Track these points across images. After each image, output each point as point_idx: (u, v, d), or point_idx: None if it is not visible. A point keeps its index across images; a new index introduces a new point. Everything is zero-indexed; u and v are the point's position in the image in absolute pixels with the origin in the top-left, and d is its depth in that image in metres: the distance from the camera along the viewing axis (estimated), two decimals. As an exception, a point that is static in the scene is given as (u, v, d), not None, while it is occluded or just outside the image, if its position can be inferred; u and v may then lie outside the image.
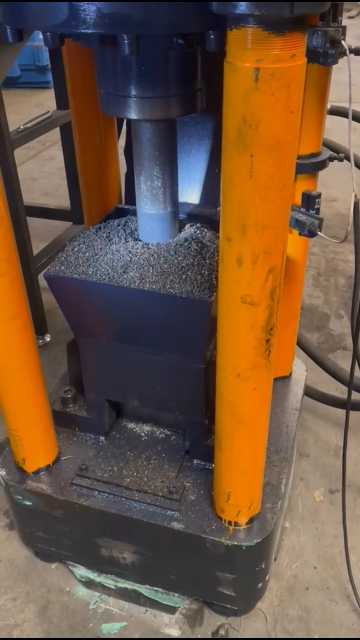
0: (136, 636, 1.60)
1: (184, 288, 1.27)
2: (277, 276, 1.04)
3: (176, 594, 1.61)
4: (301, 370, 1.89)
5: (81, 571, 1.70)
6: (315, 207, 1.32)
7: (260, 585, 1.53)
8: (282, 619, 1.64)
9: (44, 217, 3.26)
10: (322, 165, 1.38)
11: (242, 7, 0.78)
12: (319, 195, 1.32)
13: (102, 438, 1.64)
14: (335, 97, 1.51)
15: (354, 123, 1.49)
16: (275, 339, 1.12)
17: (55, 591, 1.72)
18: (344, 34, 1.02)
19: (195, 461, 1.56)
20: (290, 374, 1.86)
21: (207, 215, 1.54)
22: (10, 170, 2.23)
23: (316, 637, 1.60)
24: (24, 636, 1.62)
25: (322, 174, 1.43)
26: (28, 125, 2.47)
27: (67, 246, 1.43)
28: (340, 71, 1.32)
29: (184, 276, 1.30)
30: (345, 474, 1.59)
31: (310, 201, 1.31)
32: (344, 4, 1.12)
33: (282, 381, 1.83)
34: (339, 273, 3.26)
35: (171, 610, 1.63)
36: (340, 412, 2.24)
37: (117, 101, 1.20)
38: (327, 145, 1.62)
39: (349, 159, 1.42)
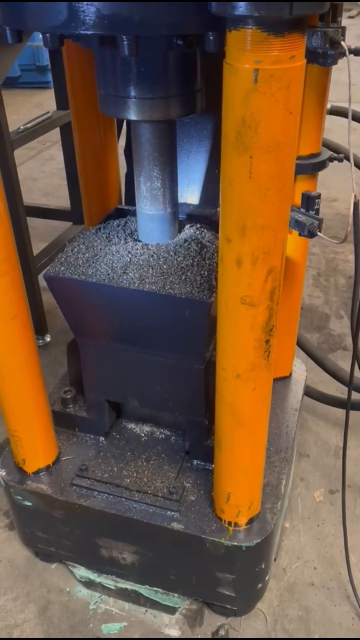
0: (136, 636, 1.60)
1: (184, 289, 1.27)
2: (277, 277, 1.04)
3: (176, 595, 1.61)
4: (301, 371, 1.89)
5: (81, 571, 1.70)
6: (315, 207, 1.32)
7: (260, 585, 1.53)
8: (282, 619, 1.64)
9: (44, 217, 3.26)
10: (321, 165, 1.38)
11: (241, 8, 0.78)
12: (318, 196, 1.31)
13: (102, 438, 1.64)
14: (335, 97, 1.51)
15: (354, 123, 1.49)
16: (274, 340, 1.12)
17: (55, 591, 1.72)
18: (343, 34, 1.02)
19: (195, 462, 1.56)
20: (290, 374, 1.86)
21: (206, 215, 1.54)
22: (10, 171, 2.24)
23: (316, 637, 1.60)
24: (24, 636, 1.62)
25: (322, 173, 1.43)
26: (28, 125, 2.47)
27: (67, 247, 1.43)
28: (340, 71, 1.32)
29: (183, 277, 1.30)
30: (345, 474, 1.59)
31: (310, 202, 1.31)
32: (343, 4, 1.12)
33: (282, 381, 1.83)
34: (339, 273, 3.26)
35: (171, 610, 1.64)
36: (340, 412, 2.24)
37: (117, 102, 1.20)
38: (327, 145, 1.63)
39: (348, 159, 1.42)
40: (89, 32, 0.92)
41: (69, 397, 1.65)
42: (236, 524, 1.40)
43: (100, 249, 1.42)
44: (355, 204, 1.16)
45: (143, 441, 1.64)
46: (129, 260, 1.37)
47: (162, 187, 1.35)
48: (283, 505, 1.60)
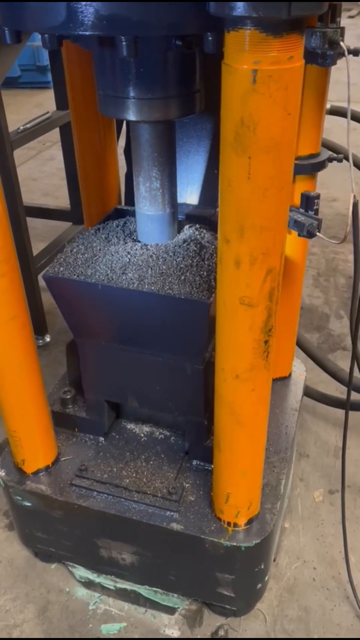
0: (136, 637, 1.61)
1: (183, 289, 1.27)
2: (276, 277, 1.04)
3: (176, 595, 1.61)
4: (301, 371, 1.89)
5: (81, 572, 1.70)
6: (314, 207, 1.32)
7: (259, 585, 1.54)
8: (281, 619, 1.64)
9: (44, 217, 3.27)
10: (321, 166, 1.38)
11: (240, 9, 0.78)
12: (317, 196, 1.31)
13: (101, 439, 1.64)
14: (335, 96, 1.51)
15: (353, 123, 1.48)
16: (273, 340, 1.12)
17: (55, 592, 1.72)
18: (342, 34, 1.02)
19: (194, 462, 1.56)
20: (290, 375, 1.86)
21: (206, 216, 1.54)
22: (10, 171, 2.24)
23: (315, 637, 1.60)
24: (24, 636, 1.62)
25: (322, 173, 1.43)
26: (28, 125, 2.47)
27: (66, 247, 1.43)
28: (340, 71, 1.32)
29: (182, 277, 1.30)
30: (345, 474, 1.59)
31: (309, 202, 1.31)
32: (342, 5, 1.12)
33: (282, 382, 1.83)
34: (339, 273, 3.26)
35: (171, 610, 1.64)
36: (340, 413, 2.23)
37: (116, 102, 1.20)
38: (326, 145, 1.63)
39: (348, 159, 1.42)
40: (87, 33, 0.92)
41: (68, 397, 1.65)
42: (235, 525, 1.40)
43: (100, 249, 1.42)
44: (354, 204, 1.16)
45: (142, 441, 1.64)
46: (128, 260, 1.37)
47: (161, 188, 1.35)
48: (282, 506, 1.60)
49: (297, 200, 1.34)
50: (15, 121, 2.53)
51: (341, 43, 0.99)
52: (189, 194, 1.63)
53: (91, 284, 1.32)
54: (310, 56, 1.00)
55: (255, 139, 0.88)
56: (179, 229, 1.49)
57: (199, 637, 1.60)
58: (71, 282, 1.34)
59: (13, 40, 1.03)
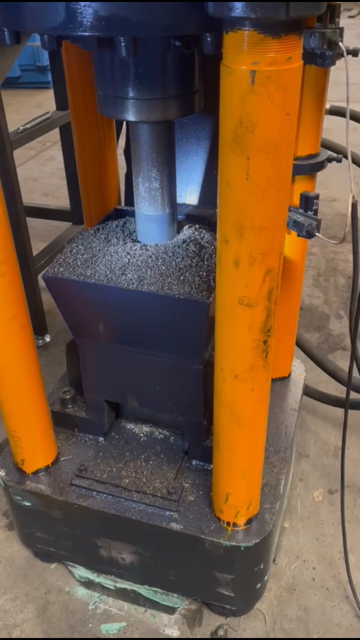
0: (135, 636, 1.61)
1: (182, 289, 1.27)
2: (275, 278, 1.04)
3: (175, 595, 1.61)
4: (300, 371, 1.89)
5: (80, 571, 1.70)
6: (314, 208, 1.32)
7: (259, 585, 1.54)
8: (281, 619, 1.64)
9: (44, 217, 3.27)
10: (320, 166, 1.38)
11: (238, 10, 0.78)
12: (317, 196, 1.31)
13: (101, 439, 1.64)
14: (335, 96, 1.51)
15: (353, 123, 1.49)
16: (272, 340, 1.12)
17: (55, 591, 1.72)
18: (341, 35, 1.02)
19: (194, 462, 1.57)
20: (290, 375, 1.86)
21: (205, 216, 1.54)
22: (10, 171, 2.24)
23: (315, 637, 1.60)
24: (24, 636, 1.62)
25: (321, 173, 1.43)
26: (28, 125, 2.47)
27: (66, 248, 1.43)
28: (340, 71, 1.32)
29: (182, 277, 1.30)
30: (344, 474, 1.59)
31: (308, 202, 1.31)
32: (342, 5, 1.12)
33: (281, 382, 1.83)
34: (338, 273, 3.26)
35: (170, 610, 1.64)
36: (340, 412, 2.24)
37: (115, 103, 1.20)
38: (326, 145, 1.63)
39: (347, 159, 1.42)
40: (86, 34, 0.93)
41: (68, 397, 1.65)
42: (235, 524, 1.40)
43: (99, 249, 1.42)
44: (354, 205, 1.16)
45: (142, 441, 1.64)
46: (127, 261, 1.37)
47: (161, 188, 1.35)
48: (282, 506, 1.60)
49: (297, 201, 1.34)
50: (15, 121, 2.53)
51: (340, 43, 0.99)
52: (189, 194, 1.63)
53: (91, 284, 1.32)
54: (309, 56, 1.01)
55: (253, 140, 0.88)
56: (179, 229, 1.49)
57: (198, 636, 1.60)
58: (71, 283, 1.34)
59: (12, 41, 1.03)
